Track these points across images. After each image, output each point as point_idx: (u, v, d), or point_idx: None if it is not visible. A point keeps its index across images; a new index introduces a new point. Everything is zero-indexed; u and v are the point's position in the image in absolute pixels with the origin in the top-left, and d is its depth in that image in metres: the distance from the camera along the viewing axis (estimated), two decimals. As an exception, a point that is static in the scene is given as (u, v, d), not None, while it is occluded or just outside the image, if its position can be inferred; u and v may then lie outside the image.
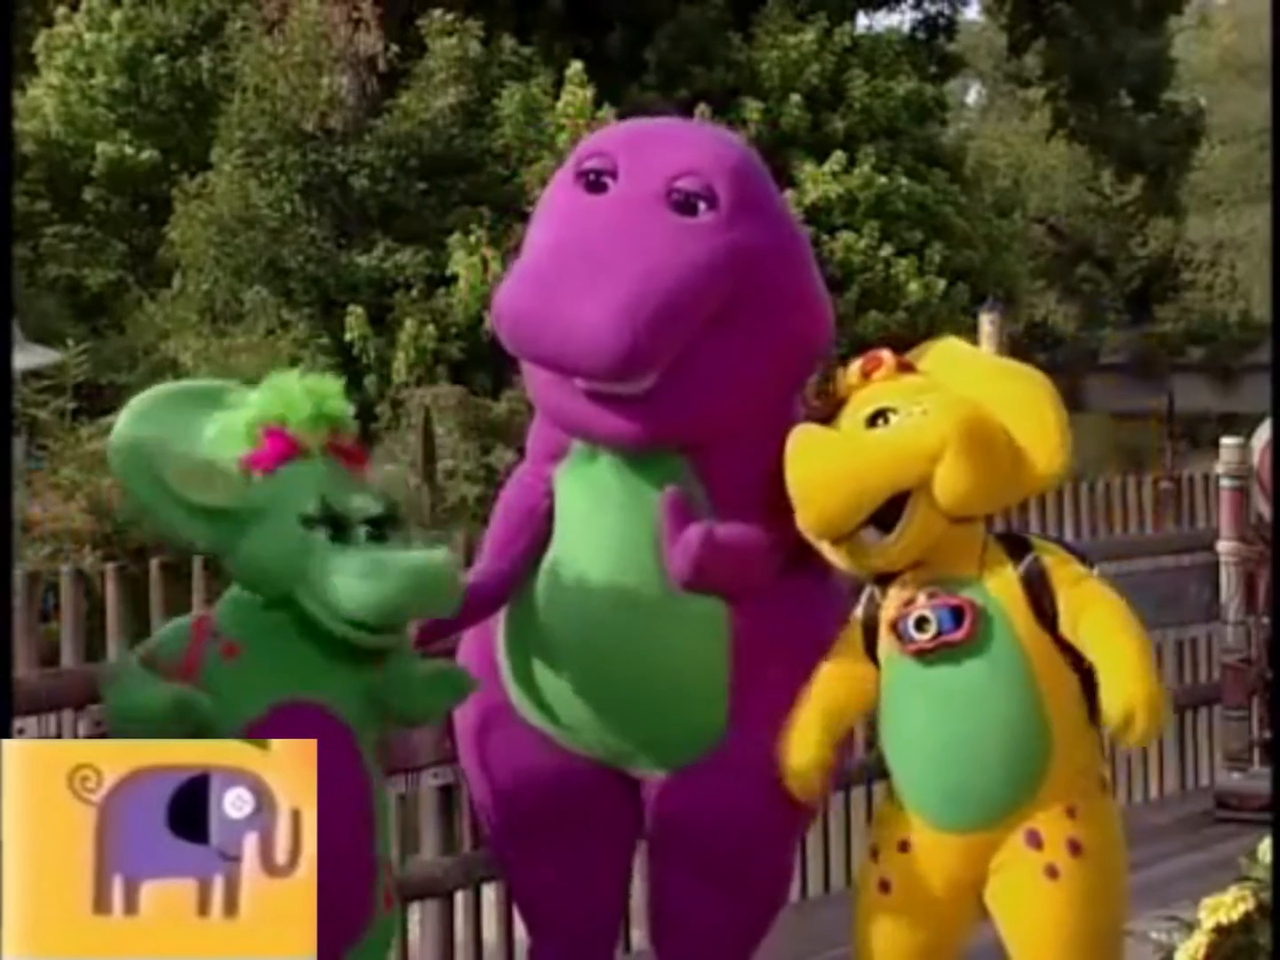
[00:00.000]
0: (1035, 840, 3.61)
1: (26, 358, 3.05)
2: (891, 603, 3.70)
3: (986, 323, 16.39)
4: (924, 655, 3.62)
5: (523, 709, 4.11)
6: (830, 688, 3.79)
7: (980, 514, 3.71)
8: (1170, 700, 3.88)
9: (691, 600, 3.91)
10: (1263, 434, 6.82)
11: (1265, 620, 6.77)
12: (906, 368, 3.79)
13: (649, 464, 3.91)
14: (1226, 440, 6.90)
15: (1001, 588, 3.63)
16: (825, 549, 3.72)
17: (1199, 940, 3.18)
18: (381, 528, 3.50)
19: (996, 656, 3.60)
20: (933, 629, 3.59)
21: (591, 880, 4.21)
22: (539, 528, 4.05)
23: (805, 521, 3.67)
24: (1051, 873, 3.61)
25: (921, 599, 3.63)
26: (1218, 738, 6.95)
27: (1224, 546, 6.78)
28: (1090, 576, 3.70)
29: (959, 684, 3.61)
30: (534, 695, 4.08)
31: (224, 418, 3.58)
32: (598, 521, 3.98)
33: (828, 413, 3.81)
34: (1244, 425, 7.17)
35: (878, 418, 3.68)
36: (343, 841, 3.38)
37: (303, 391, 3.58)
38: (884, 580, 3.75)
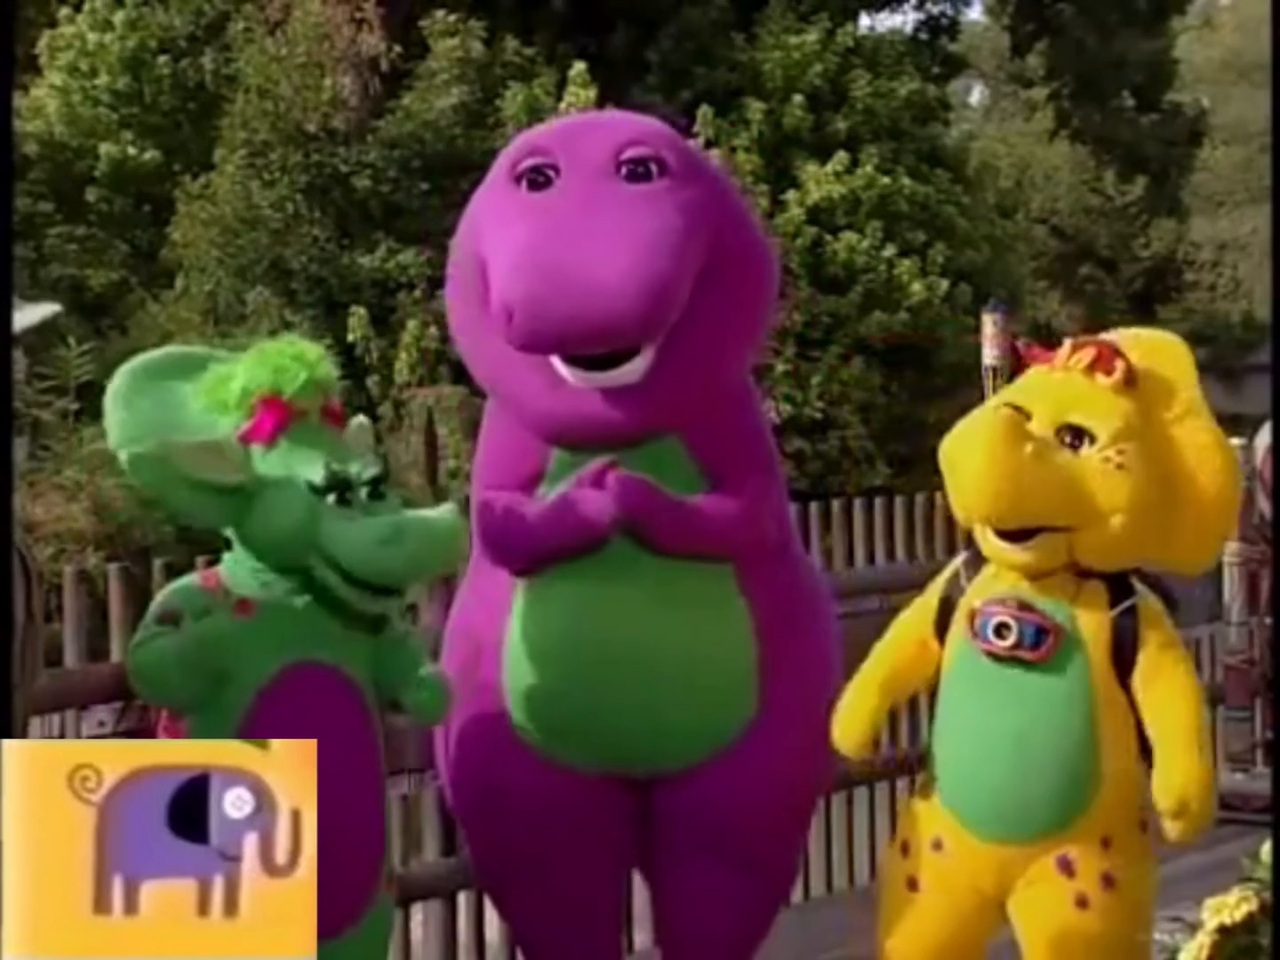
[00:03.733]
0: (1068, 867, 3.59)
1: (24, 316, 3.00)
2: (978, 592, 3.63)
3: (989, 323, 16.35)
4: (994, 656, 3.57)
5: (523, 725, 4.02)
6: (895, 654, 3.75)
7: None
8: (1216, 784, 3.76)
9: (705, 582, 3.90)
10: (1265, 434, 6.81)
11: (1268, 621, 6.76)
12: (1132, 382, 3.65)
13: (640, 455, 3.88)
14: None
15: (1090, 624, 3.58)
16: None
17: (1202, 941, 3.17)
18: (379, 487, 3.53)
19: (1065, 680, 3.57)
20: (1012, 639, 3.52)
21: (590, 902, 4.15)
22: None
23: (952, 498, 3.58)
24: (1082, 902, 3.59)
25: (1012, 605, 3.56)
26: (1220, 739, 6.94)
27: (1227, 547, 6.77)
28: (1177, 644, 3.63)
29: (1023, 693, 3.57)
30: (540, 709, 4.00)
31: (211, 388, 3.58)
32: None
33: (1029, 364, 3.71)
34: (1247, 425, 7.16)
35: (1072, 433, 3.56)
36: (353, 806, 3.37)
37: (292, 359, 3.58)
38: (973, 562, 3.69)
